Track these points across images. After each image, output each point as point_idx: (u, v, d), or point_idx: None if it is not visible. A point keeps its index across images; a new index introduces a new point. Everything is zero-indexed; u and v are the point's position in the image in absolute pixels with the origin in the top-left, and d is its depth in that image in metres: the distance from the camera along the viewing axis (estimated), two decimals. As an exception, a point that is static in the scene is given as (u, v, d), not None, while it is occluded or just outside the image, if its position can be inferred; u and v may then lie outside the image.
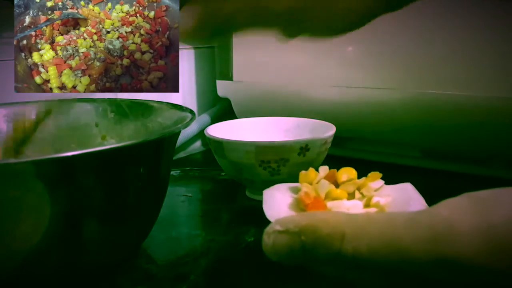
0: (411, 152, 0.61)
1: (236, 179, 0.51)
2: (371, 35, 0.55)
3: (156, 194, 0.39)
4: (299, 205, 0.28)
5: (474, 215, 0.20)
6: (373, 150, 0.63)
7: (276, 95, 0.65)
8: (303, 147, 0.46)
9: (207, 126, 0.54)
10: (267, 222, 0.26)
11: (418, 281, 0.21)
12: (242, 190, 0.54)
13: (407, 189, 0.30)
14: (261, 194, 0.53)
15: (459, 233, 0.20)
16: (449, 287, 0.20)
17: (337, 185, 0.30)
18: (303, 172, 0.31)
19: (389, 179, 0.31)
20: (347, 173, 0.30)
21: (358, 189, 0.29)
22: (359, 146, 0.64)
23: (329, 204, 0.28)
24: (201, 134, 0.73)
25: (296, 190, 0.31)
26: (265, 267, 0.37)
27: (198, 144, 0.76)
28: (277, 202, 0.29)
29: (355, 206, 0.28)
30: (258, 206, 0.50)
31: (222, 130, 0.54)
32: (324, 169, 0.31)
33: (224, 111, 0.75)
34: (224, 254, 0.41)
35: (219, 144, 0.48)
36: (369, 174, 0.30)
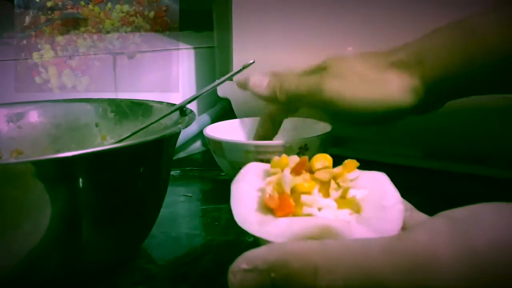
0: (412, 152, 0.61)
1: (236, 179, 0.51)
2: (371, 35, 0.55)
3: (156, 194, 0.39)
4: (267, 206, 0.26)
5: (455, 240, 0.19)
6: (373, 150, 0.63)
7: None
8: (302, 147, 0.46)
9: (207, 126, 0.54)
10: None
11: None
12: (242, 190, 0.54)
13: (382, 181, 0.28)
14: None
15: (441, 261, 0.19)
16: None
17: (312, 173, 0.28)
18: (276, 158, 0.29)
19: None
20: (322, 159, 0.28)
21: (334, 178, 0.27)
22: (359, 146, 0.64)
23: (303, 198, 0.26)
24: (201, 134, 0.73)
25: (267, 175, 0.29)
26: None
27: (198, 144, 0.76)
28: (245, 199, 0.27)
29: (328, 207, 0.26)
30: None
31: (221, 130, 0.54)
32: (294, 159, 0.29)
33: (224, 111, 0.75)
34: (224, 254, 0.41)
35: (219, 144, 0.48)
36: (345, 162, 0.28)
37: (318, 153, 0.50)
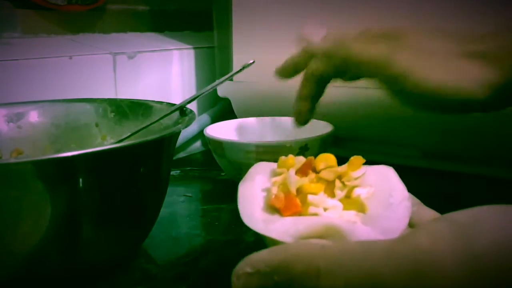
0: (411, 152, 0.61)
1: (236, 179, 0.51)
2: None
3: (156, 194, 0.39)
4: (273, 206, 0.27)
5: (456, 245, 0.19)
6: (373, 150, 0.63)
7: (276, 95, 0.64)
8: (303, 147, 0.46)
9: (207, 126, 0.54)
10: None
11: None
12: (242, 190, 0.54)
13: (389, 176, 0.29)
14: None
15: (442, 266, 0.19)
16: None
17: (317, 173, 0.28)
18: (282, 158, 0.29)
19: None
20: (325, 160, 0.28)
21: (339, 177, 0.27)
22: (359, 146, 0.64)
23: (310, 198, 0.26)
24: (201, 134, 0.73)
25: (273, 175, 0.29)
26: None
27: (198, 144, 0.76)
28: (252, 199, 0.27)
29: (334, 207, 0.26)
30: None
31: (221, 130, 0.54)
32: (300, 159, 0.29)
33: (224, 111, 0.75)
34: (224, 254, 0.41)
35: (219, 144, 0.48)
36: (351, 159, 0.28)
37: (319, 153, 0.50)
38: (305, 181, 0.27)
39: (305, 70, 0.41)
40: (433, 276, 0.19)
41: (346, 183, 0.27)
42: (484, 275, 0.19)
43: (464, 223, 0.20)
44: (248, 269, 0.21)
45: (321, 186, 0.27)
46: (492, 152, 0.55)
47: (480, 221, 0.20)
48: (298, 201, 0.26)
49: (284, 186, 0.27)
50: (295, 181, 0.27)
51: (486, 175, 0.56)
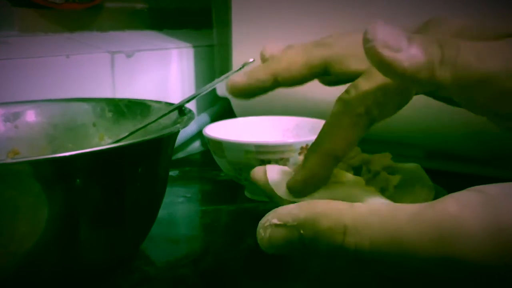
0: (414, 152, 0.60)
1: (235, 179, 0.51)
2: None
3: (154, 194, 0.39)
4: None
5: (483, 214, 0.19)
6: (374, 150, 0.62)
7: (276, 95, 0.64)
8: (303, 147, 0.46)
9: (206, 126, 0.53)
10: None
11: (421, 277, 0.20)
12: (241, 190, 0.54)
13: (415, 169, 0.30)
14: (260, 195, 0.52)
15: (467, 233, 0.19)
16: (452, 284, 0.20)
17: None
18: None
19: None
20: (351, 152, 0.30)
21: (366, 164, 0.29)
22: (360, 146, 0.63)
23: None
24: (200, 134, 0.73)
25: None
26: (265, 268, 0.37)
27: (197, 144, 0.76)
28: (279, 171, 0.29)
29: (356, 182, 0.27)
30: (257, 206, 0.50)
31: (220, 130, 0.53)
32: None
33: (224, 110, 0.75)
34: (223, 255, 0.40)
35: (219, 144, 0.48)
36: (380, 154, 0.30)
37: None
38: None
39: (339, 105, 0.27)
40: (457, 243, 0.19)
41: (373, 168, 0.29)
42: (506, 247, 0.19)
43: (494, 195, 0.20)
44: (275, 221, 0.22)
45: (344, 166, 0.28)
46: (495, 153, 0.55)
47: (508, 195, 0.20)
48: None
49: None
50: None
51: (488, 176, 0.55)
